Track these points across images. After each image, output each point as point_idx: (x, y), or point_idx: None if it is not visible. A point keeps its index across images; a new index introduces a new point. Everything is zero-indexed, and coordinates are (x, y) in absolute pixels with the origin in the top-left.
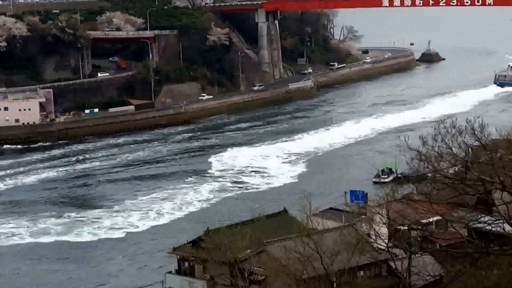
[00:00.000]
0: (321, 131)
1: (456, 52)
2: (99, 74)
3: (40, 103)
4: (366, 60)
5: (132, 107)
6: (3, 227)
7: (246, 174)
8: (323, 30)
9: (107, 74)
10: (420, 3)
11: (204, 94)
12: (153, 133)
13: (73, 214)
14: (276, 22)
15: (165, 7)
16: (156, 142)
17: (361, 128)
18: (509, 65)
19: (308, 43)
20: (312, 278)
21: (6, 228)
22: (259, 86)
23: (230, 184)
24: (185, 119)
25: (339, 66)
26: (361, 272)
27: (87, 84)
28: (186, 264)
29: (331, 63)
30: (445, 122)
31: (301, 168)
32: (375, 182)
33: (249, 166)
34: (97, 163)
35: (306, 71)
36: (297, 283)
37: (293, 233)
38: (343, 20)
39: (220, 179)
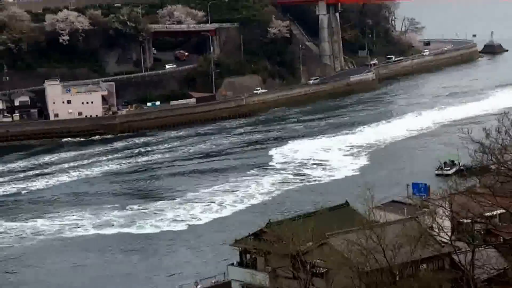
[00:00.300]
0: (382, 124)
1: None
2: (166, 66)
3: (103, 96)
4: (424, 53)
5: (193, 100)
6: (67, 219)
7: (308, 167)
8: (385, 22)
9: (174, 65)
10: None
11: (258, 88)
12: (215, 125)
13: (135, 206)
14: (337, 14)
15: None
16: (218, 135)
17: (423, 120)
18: None
19: (369, 35)
20: (375, 271)
21: (70, 220)
22: (315, 79)
23: (292, 177)
24: (246, 111)
25: (397, 59)
26: (424, 265)
27: (148, 77)
28: (248, 256)
29: (388, 56)
30: (508, 114)
31: (363, 160)
32: (437, 175)
33: (310, 159)
34: (159, 156)
35: (370, 63)
36: (360, 275)
37: (356, 225)
38: (404, 12)
39: (281, 172)
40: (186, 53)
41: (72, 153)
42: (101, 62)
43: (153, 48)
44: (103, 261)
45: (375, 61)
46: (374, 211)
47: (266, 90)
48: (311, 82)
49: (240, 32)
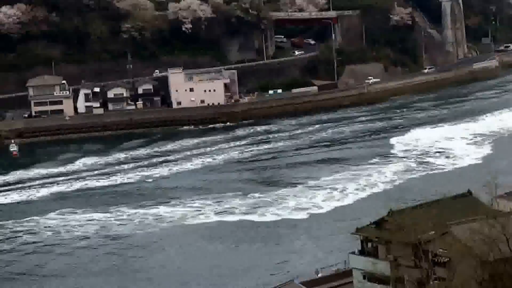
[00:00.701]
0: (506, 112)
1: None
2: (296, 52)
3: (225, 84)
4: None
5: (315, 88)
6: (189, 206)
7: (430, 155)
8: (508, 8)
9: (302, 52)
10: None
11: (370, 77)
12: (336, 113)
13: (257, 194)
14: (460, 0)
15: None
16: (339, 123)
17: None
18: None
19: (493, 22)
20: (498, 261)
21: (192, 207)
22: (429, 68)
23: (414, 165)
24: (367, 99)
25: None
26: None
27: (270, 65)
28: (370, 245)
29: (506, 44)
30: None
31: (486, 149)
32: None
33: (432, 147)
34: (281, 144)
35: (499, 48)
36: (482, 265)
37: (478, 215)
38: None
39: (404, 160)
40: (310, 41)
41: (195, 141)
42: (223, 50)
43: (282, 36)
44: (224, 248)
45: (510, 45)
46: (498, 200)
47: (379, 80)
48: (425, 71)
49: (361, 19)
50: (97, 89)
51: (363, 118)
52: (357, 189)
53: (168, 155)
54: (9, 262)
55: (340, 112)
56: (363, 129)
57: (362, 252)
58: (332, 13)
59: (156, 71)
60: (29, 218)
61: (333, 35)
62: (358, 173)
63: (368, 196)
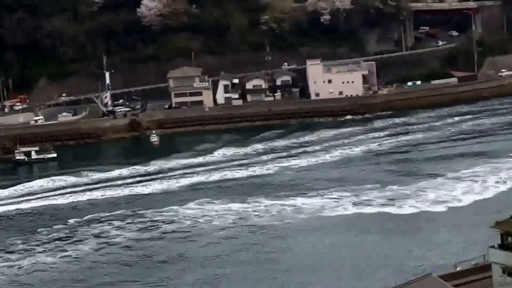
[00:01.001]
0: None
1: None
2: (439, 42)
3: (363, 76)
4: None
5: (454, 79)
6: (327, 198)
7: None
8: None
9: (445, 42)
10: None
11: (503, 70)
12: (476, 105)
13: (395, 187)
14: None
15: None
16: (479, 115)
17: None
18: None
19: None
20: None
21: (330, 199)
22: None
23: None
24: (509, 91)
25: None
26: None
27: (409, 57)
28: (510, 239)
29: None
30: None
31: None
32: None
33: None
34: (420, 136)
35: None
36: None
37: None
38: None
39: None
40: (453, 32)
41: (332, 132)
42: (362, 41)
43: (426, 28)
44: (362, 240)
45: None
46: None
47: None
48: None
49: (503, 9)
50: (236, 81)
51: (504, 111)
52: (497, 182)
53: (306, 146)
54: (150, 251)
55: (480, 104)
56: (504, 121)
57: (502, 246)
58: (472, 4)
59: (285, 63)
60: (169, 208)
61: (474, 26)
62: (499, 166)
63: (509, 189)
